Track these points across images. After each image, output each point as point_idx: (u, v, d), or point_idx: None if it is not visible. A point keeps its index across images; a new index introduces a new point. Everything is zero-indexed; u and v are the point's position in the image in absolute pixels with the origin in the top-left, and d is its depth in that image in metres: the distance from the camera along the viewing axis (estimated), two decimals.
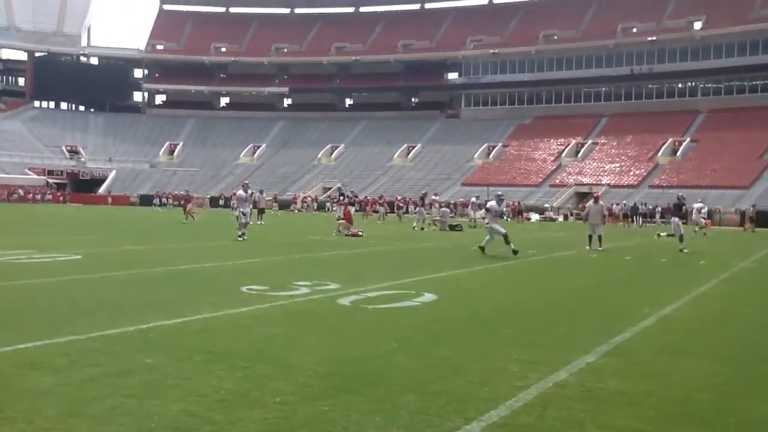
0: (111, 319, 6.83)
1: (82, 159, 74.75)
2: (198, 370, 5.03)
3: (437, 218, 30.95)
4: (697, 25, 68.19)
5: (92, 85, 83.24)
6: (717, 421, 4.23)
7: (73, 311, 7.40)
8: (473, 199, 40.25)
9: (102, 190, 69.05)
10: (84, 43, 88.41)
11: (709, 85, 68.24)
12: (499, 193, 18.18)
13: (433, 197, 35.89)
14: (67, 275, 10.52)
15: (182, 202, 32.50)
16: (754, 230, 38.69)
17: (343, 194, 29.39)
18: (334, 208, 27.47)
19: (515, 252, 15.62)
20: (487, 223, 16.65)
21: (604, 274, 13.13)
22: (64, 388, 4.51)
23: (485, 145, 70.51)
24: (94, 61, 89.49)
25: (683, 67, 67.54)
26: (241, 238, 18.92)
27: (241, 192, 20.57)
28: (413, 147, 73.53)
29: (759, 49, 63.82)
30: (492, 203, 16.80)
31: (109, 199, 63.83)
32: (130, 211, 48.91)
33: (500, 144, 70.72)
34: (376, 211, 41.91)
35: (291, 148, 78.26)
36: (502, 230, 16.23)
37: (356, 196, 37.67)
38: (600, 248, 18.87)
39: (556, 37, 74.69)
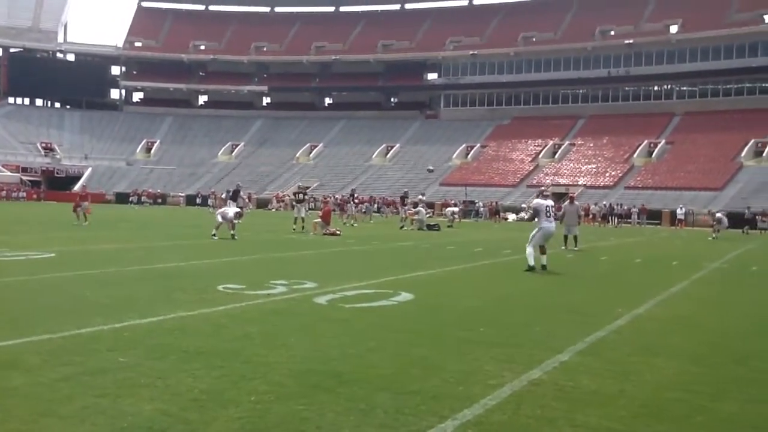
0: (85, 318, 6.77)
1: (58, 156, 73.80)
2: (172, 369, 5.01)
3: (416, 218, 31.01)
4: (674, 29, 69.06)
5: (68, 82, 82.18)
6: (687, 419, 4.29)
7: (46, 310, 7.32)
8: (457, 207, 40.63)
9: (77, 188, 68.21)
10: (60, 39, 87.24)
11: (685, 88, 69.16)
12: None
13: (420, 197, 36.04)
14: (41, 274, 10.39)
15: (77, 199, 26.48)
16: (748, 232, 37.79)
17: (305, 193, 28.97)
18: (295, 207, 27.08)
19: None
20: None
21: (579, 274, 13.25)
22: (36, 387, 4.46)
23: (464, 145, 70.81)
24: (71, 57, 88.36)
25: (659, 70, 68.35)
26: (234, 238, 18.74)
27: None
28: (392, 147, 73.61)
29: (733, 53, 64.82)
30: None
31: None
32: (106, 209, 48.38)
33: (479, 144, 71.05)
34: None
35: (270, 147, 77.95)
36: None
37: (353, 196, 36.82)
38: (576, 248, 19.04)
39: (535, 39, 75.18)
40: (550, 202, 13.53)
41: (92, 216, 25.95)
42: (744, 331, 7.54)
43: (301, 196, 28.04)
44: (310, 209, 26.95)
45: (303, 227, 24.57)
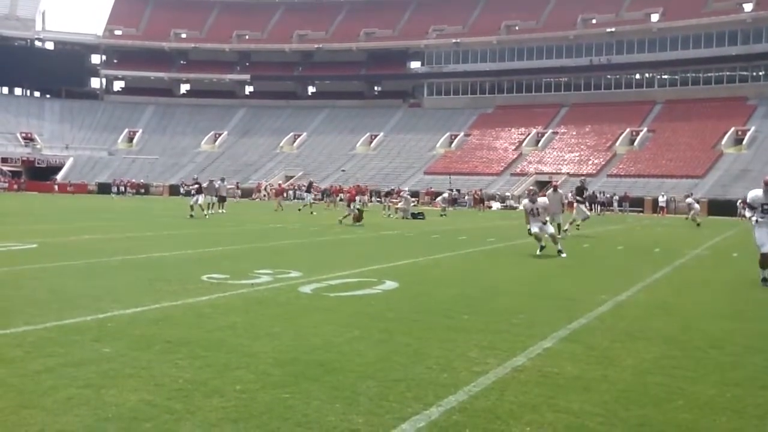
0: (67, 309, 6.73)
1: (38, 146, 72.98)
2: (156, 359, 5.00)
3: (400, 206, 31.18)
4: (654, 17, 69.39)
5: (47, 71, 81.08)
6: (667, 403, 4.35)
7: (28, 301, 7.26)
8: (445, 194, 41.75)
9: (59, 178, 67.58)
10: (38, 27, 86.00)
11: (665, 77, 69.59)
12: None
13: (404, 189, 38.88)
14: (22, 265, 10.29)
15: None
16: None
17: (199, 184, 28.12)
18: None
19: None
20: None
21: (562, 262, 13.33)
22: (17, 379, 4.43)
23: (447, 134, 70.87)
24: (50, 46, 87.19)
25: (640, 58, 68.72)
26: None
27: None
28: (376, 136, 73.52)
29: (713, 41, 65.27)
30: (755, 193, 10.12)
31: (56, 187, 62.06)
32: (88, 199, 47.99)
33: (462, 133, 71.13)
34: (342, 200, 42.00)
35: (253, 136, 77.57)
36: None
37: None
38: (559, 236, 19.14)
39: (517, 28, 75.22)
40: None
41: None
42: (719, 315, 7.64)
43: (197, 186, 27.07)
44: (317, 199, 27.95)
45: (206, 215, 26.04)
